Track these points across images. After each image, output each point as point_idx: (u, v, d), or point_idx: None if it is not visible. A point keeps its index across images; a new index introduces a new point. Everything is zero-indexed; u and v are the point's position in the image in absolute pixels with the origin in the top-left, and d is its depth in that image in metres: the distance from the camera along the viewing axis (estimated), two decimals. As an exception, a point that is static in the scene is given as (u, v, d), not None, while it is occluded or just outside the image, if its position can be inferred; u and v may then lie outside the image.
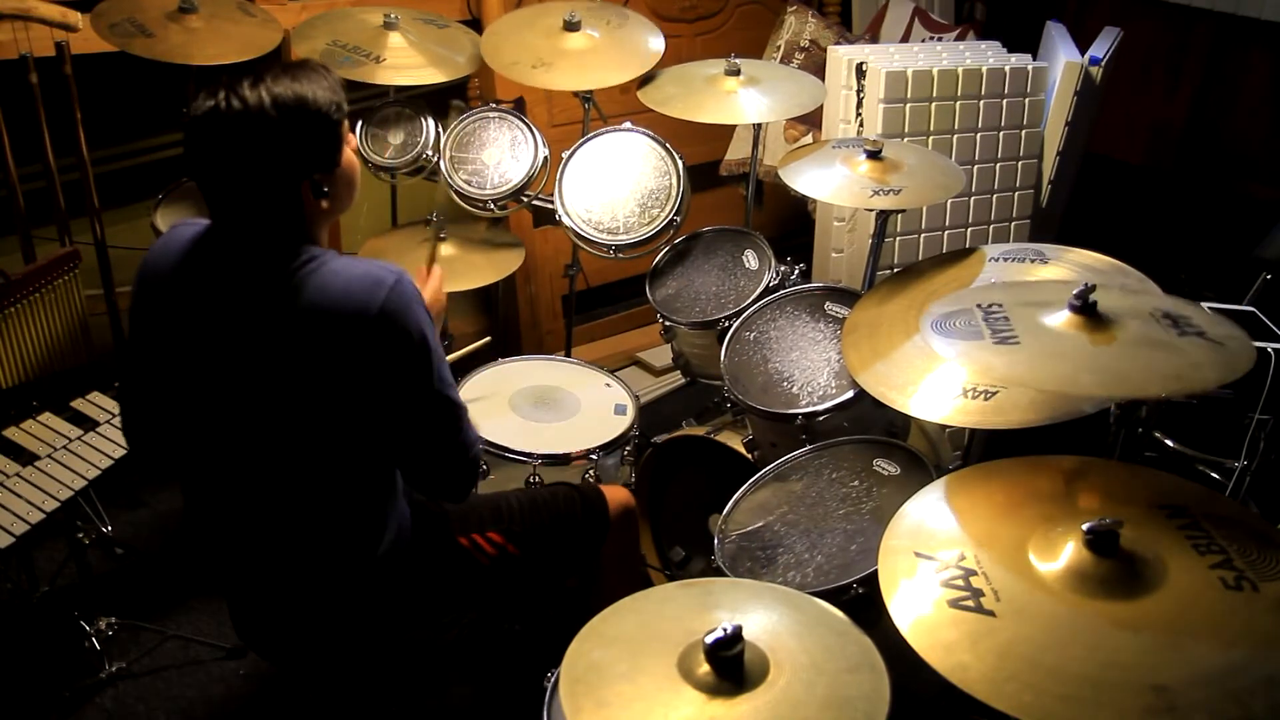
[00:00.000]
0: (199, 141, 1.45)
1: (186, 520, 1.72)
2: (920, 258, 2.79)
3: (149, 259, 1.58)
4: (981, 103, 2.73)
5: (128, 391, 1.69)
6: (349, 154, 1.56)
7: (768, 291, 2.29)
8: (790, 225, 3.57)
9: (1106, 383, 1.33)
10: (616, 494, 1.97)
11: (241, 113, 1.41)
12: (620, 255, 2.54)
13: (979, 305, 1.53)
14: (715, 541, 1.86)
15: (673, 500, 2.51)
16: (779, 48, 3.36)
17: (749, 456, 2.18)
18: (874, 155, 2.13)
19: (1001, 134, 2.78)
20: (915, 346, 1.80)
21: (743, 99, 2.47)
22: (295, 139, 1.45)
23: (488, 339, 2.41)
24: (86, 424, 2.23)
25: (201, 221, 1.58)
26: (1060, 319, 1.45)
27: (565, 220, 2.53)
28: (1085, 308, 1.44)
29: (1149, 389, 1.32)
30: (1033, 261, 1.97)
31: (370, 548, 1.64)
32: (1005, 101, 2.75)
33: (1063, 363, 1.37)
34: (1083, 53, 2.80)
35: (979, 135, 2.76)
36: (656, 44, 2.63)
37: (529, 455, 2.16)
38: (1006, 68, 2.73)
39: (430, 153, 2.68)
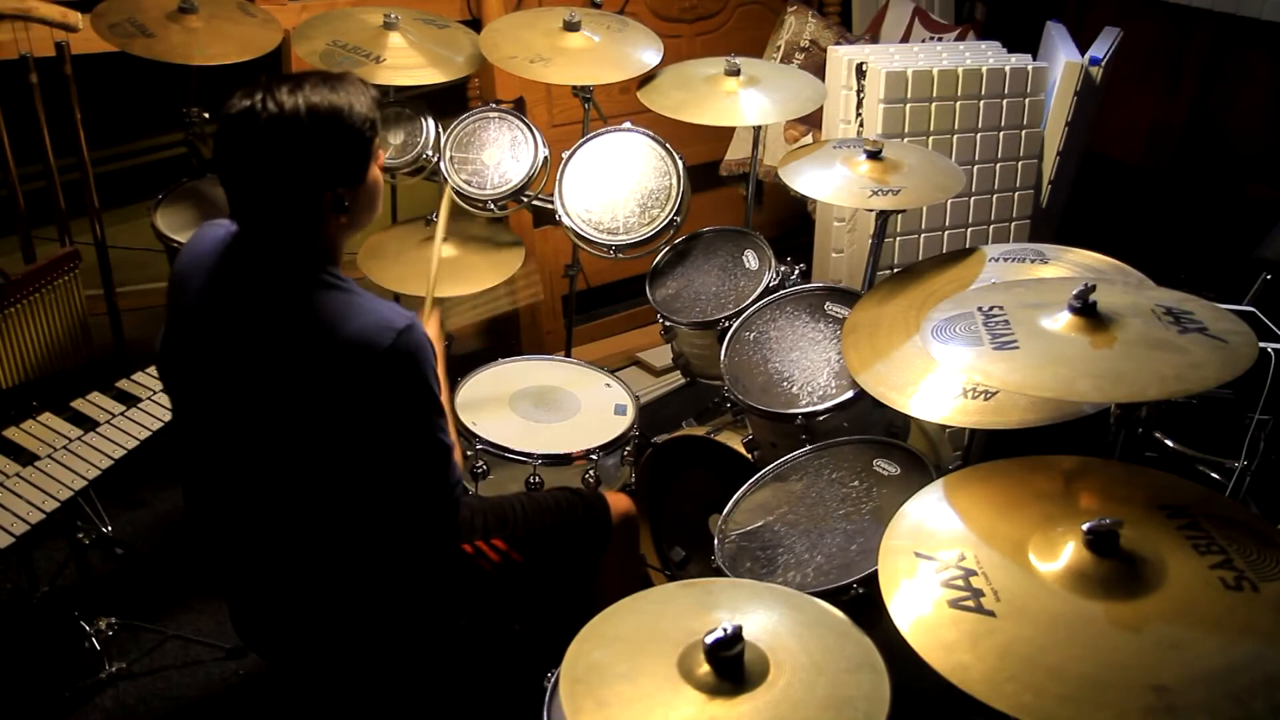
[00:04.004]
0: (228, 139, 1.45)
1: (187, 520, 1.72)
2: (920, 258, 2.79)
3: (179, 260, 1.60)
4: (981, 103, 2.73)
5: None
6: (375, 171, 1.55)
7: (768, 291, 2.29)
8: (790, 225, 3.57)
9: (1104, 387, 1.33)
10: (618, 501, 1.97)
11: (275, 116, 1.41)
12: (620, 255, 2.54)
13: (980, 308, 1.53)
14: (715, 541, 1.86)
15: (673, 500, 2.51)
16: (779, 48, 3.36)
17: (749, 456, 2.18)
18: (874, 155, 2.13)
19: (1001, 134, 2.78)
20: (915, 346, 1.80)
21: (743, 100, 2.47)
22: (324, 149, 1.45)
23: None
24: (86, 424, 2.23)
25: (227, 224, 1.58)
26: (1060, 321, 1.45)
27: (565, 220, 2.53)
28: (1085, 308, 1.44)
29: (1148, 392, 1.32)
30: (1033, 261, 1.97)
31: (371, 553, 1.64)
32: (1005, 101, 2.75)
33: (1060, 367, 1.37)
34: (1083, 53, 2.79)
35: (979, 135, 2.76)
36: (652, 56, 2.62)
37: (529, 455, 2.16)
38: (1006, 68, 2.73)
39: (430, 153, 2.68)
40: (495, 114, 2.71)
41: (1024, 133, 2.80)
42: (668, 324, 2.43)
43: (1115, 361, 1.37)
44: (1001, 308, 1.52)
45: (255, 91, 1.43)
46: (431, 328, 2.03)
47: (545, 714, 1.47)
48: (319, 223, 1.49)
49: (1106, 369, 1.36)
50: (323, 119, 1.43)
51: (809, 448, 1.98)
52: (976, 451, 1.95)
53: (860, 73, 2.71)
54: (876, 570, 1.37)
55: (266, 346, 1.49)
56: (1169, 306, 1.47)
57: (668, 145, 2.57)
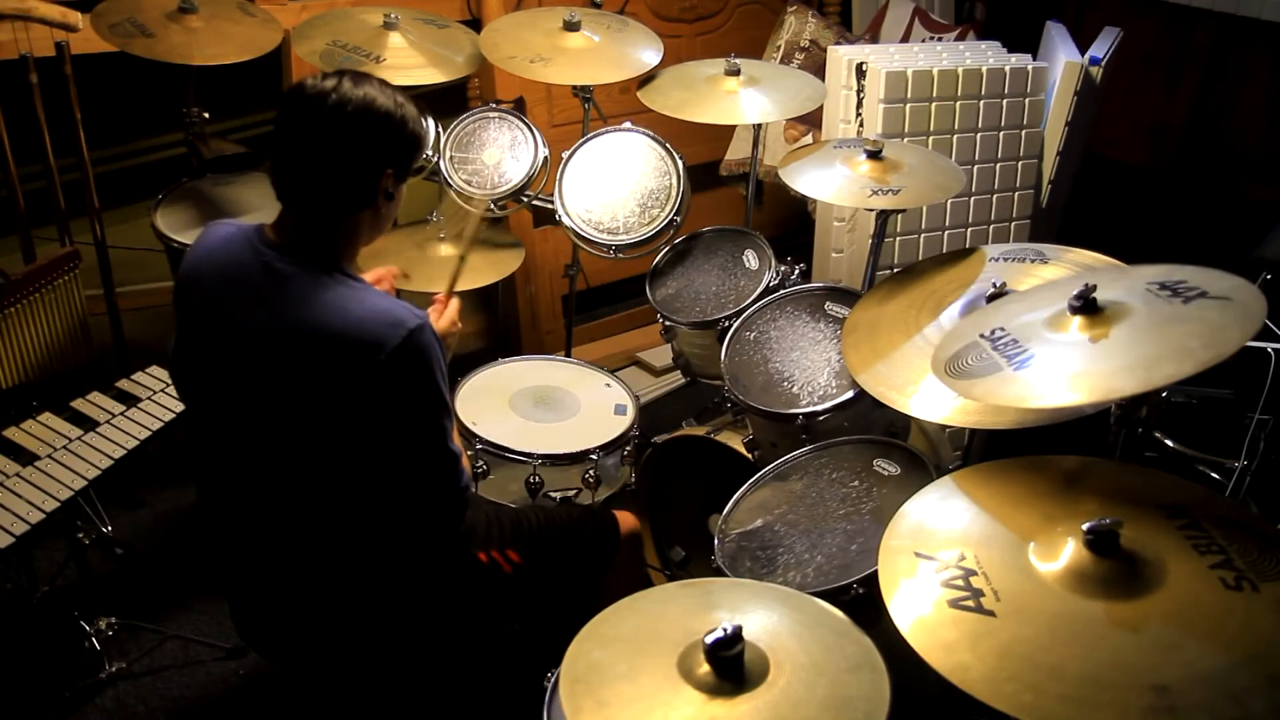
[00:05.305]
0: (311, 106, 1.49)
1: (199, 517, 1.73)
2: (920, 258, 2.79)
3: (186, 261, 1.62)
4: (981, 103, 2.73)
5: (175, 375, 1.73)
6: (403, 189, 1.63)
7: (768, 291, 2.29)
8: (790, 225, 3.57)
9: (1141, 377, 1.25)
10: (627, 520, 1.99)
11: (367, 96, 1.50)
12: (620, 255, 2.54)
13: (982, 335, 1.50)
14: (715, 541, 1.86)
15: (673, 500, 2.51)
16: (779, 48, 3.36)
17: (749, 456, 2.18)
18: (874, 155, 2.13)
19: (1001, 134, 2.78)
20: (915, 346, 1.80)
21: (743, 99, 2.47)
22: (396, 136, 1.55)
23: None
24: (86, 424, 2.23)
25: (235, 222, 1.60)
26: (1067, 323, 1.42)
27: (565, 220, 2.53)
28: (1086, 306, 1.43)
29: (1184, 367, 1.24)
30: (1033, 261, 1.97)
31: (381, 556, 1.64)
32: (1005, 101, 2.75)
33: (1094, 367, 1.33)
34: (1083, 53, 2.79)
35: (979, 135, 2.76)
36: (652, 56, 2.62)
37: (529, 455, 2.16)
38: (1006, 68, 2.73)
39: (430, 153, 2.68)
40: (495, 114, 2.71)
41: (1024, 133, 2.80)
42: (668, 324, 2.43)
43: (1140, 348, 1.31)
44: (1004, 329, 1.48)
45: (341, 75, 1.52)
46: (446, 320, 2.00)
47: (545, 714, 1.47)
48: (370, 201, 1.55)
49: (1136, 358, 1.29)
50: (402, 114, 1.55)
51: (809, 448, 1.98)
52: (976, 451, 1.95)
53: (860, 73, 2.71)
54: (876, 570, 1.37)
55: (278, 340, 1.50)
56: (1161, 281, 1.43)
57: (668, 145, 2.57)
